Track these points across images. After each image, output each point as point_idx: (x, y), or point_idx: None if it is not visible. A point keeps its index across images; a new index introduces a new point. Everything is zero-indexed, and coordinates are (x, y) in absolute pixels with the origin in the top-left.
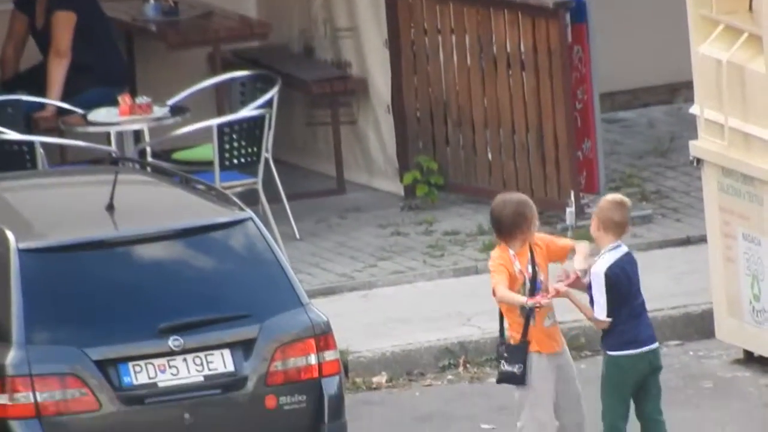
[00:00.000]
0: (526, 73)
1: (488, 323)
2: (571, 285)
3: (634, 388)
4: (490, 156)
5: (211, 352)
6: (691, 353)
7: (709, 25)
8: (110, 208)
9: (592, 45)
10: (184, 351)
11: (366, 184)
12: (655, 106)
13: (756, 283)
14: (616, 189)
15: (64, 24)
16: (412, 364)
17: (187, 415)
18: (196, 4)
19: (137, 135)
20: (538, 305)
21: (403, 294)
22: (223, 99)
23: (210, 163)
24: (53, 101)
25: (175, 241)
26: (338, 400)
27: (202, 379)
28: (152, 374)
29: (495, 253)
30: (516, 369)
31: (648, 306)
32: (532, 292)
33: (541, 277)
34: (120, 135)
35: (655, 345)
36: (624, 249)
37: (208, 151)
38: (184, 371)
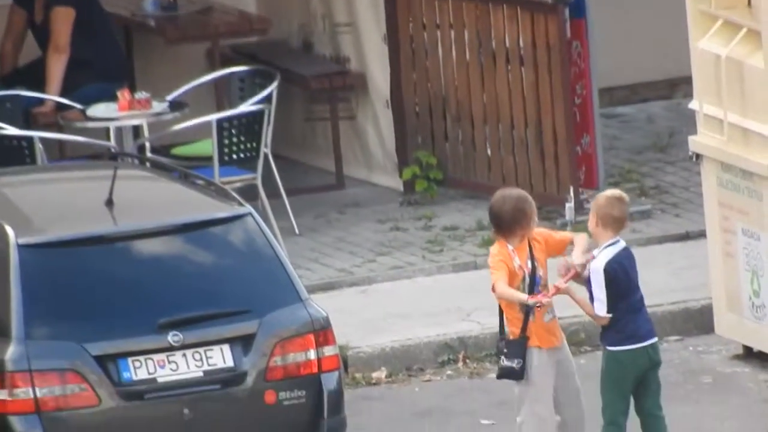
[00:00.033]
0: (525, 69)
1: (487, 318)
2: (570, 279)
3: (634, 384)
4: (489, 151)
5: (210, 347)
6: (690, 348)
7: (708, 20)
8: (109, 203)
9: (591, 40)
10: (184, 346)
11: (365, 179)
12: (654, 101)
13: (755, 278)
14: (615, 184)
15: (63, 19)
16: (412, 359)
17: (186, 411)
18: (195, 0)
19: (136, 130)
20: (539, 305)
21: (403, 289)
22: (222, 94)
23: (209, 159)
24: (52, 96)
25: (174, 236)
26: (338, 396)
27: (201, 374)
28: (152, 369)
29: (494, 249)
30: (515, 364)
31: (647, 301)
32: (532, 287)
33: (540, 272)
34: (119, 130)
35: (655, 340)
36: (622, 244)
37: (207, 147)
38: (183, 366)
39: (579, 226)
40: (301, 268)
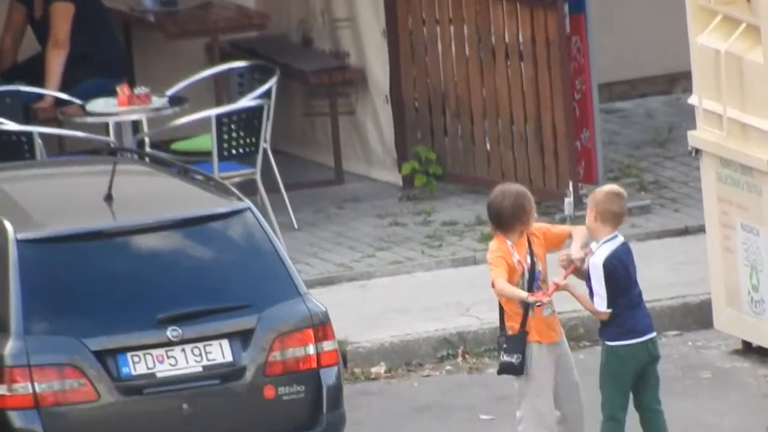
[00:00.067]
0: (525, 64)
1: (487, 313)
2: (569, 274)
3: (633, 378)
4: (488, 146)
5: (209, 342)
6: (689, 343)
7: (708, 15)
8: (109, 198)
9: (590, 35)
10: (183, 341)
11: (364, 174)
12: (653, 96)
13: (754, 273)
14: (614, 179)
15: (63, 14)
16: (411, 354)
17: (185, 406)
18: None
19: (135, 125)
20: (539, 303)
21: (402, 284)
22: (221, 89)
23: (208, 154)
24: (52, 92)
25: (173, 231)
26: (337, 391)
27: (200, 369)
28: (150, 364)
29: (493, 245)
30: (514, 359)
31: (646, 296)
32: (531, 282)
33: (539, 267)
34: (118, 125)
35: (653, 335)
36: (620, 239)
37: (207, 142)
38: (182, 361)
39: (578, 221)
40: (300, 263)
